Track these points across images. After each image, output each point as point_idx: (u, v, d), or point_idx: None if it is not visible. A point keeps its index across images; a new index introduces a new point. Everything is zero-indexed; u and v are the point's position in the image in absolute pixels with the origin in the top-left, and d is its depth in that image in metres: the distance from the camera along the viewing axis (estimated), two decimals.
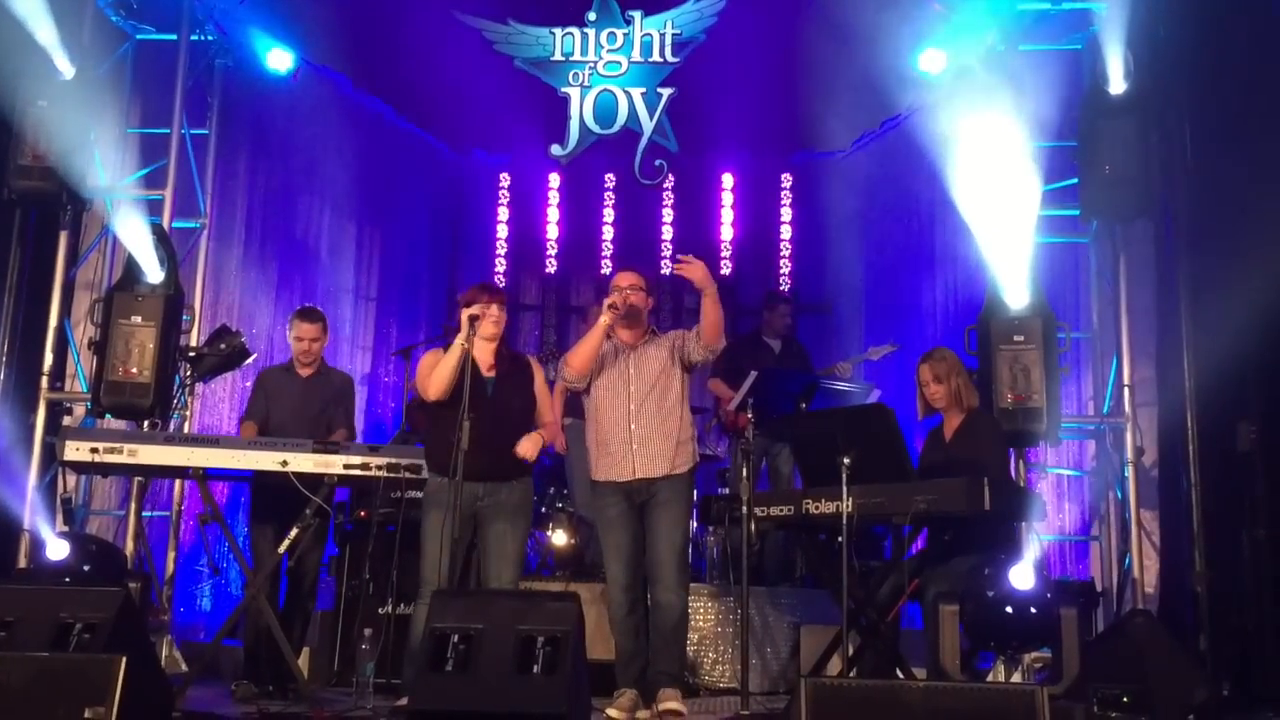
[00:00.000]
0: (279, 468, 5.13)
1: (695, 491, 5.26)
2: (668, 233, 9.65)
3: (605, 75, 8.90)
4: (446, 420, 4.79)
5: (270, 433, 5.70)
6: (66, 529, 6.37)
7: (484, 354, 5.04)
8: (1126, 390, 6.71)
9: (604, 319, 5.00)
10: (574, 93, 8.90)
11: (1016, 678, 4.70)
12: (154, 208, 7.03)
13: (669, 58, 8.85)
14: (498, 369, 5.05)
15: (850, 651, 4.90)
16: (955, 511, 4.59)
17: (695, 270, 4.88)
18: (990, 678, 4.78)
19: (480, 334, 4.97)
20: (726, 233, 9.58)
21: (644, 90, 8.89)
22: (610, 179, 9.57)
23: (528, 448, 4.95)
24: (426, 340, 8.46)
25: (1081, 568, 7.02)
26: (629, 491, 5.00)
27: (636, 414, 5.03)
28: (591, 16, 8.87)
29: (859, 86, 7.87)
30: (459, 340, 4.85)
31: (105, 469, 5.38)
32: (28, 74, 6.55)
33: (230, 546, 5.83)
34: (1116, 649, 5.02)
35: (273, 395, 5.90)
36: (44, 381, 6.85)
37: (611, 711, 4.75)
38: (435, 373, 4.92)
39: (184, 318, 6.82)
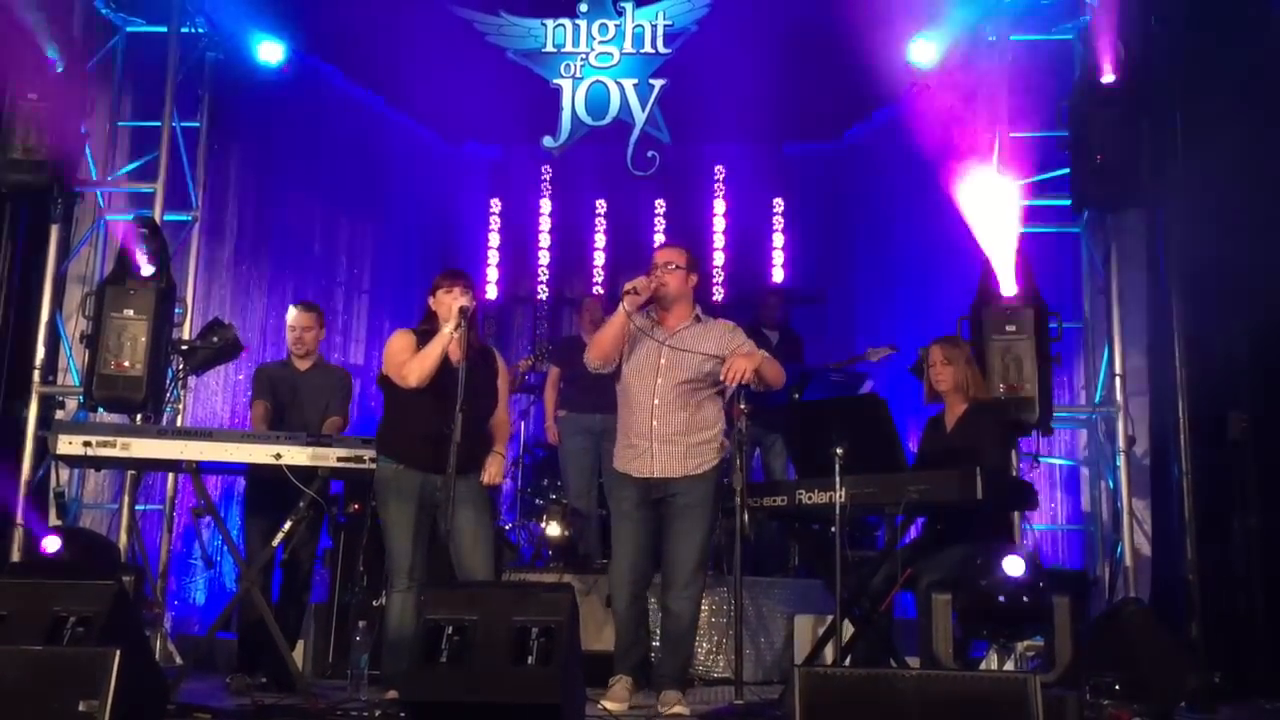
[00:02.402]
0: (272, 460, 5.08)
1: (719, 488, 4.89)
2: (660, 224, 9.66)
3: (597, 67, 8.87)
4: (409, 406, 4.75)
5: (272, 426, 5.68)
6: (59, 523, 6.37)
7: (453, 343, 4.80)
8: (1118, 379, 6.72)
9: (622, 305, 4.78)
10: (566, 84, 8.87)
11: (1009, 666, 4.71)
12: (145, 201, 7.02)
13: (661, 49, 8.82)
14: (466, 359, 4.72)
15: (844, 641, 4.91)
16: (948, 501, 4.61)
17: (744, 371, 4.62)
18: (983, 666, 4.79)
19: (448, 323, 4.78)
20: (719, 223, 9.59)
21: (636, 82, 8.86)
22: (602, 171, 9.56)
23: (495, 474, 4.91)
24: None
25: (1074, 557, 7.04)
26: (646, 487, 4.83)
27: (659, 410, 4.79)
28: (583, 8, 8.84)
29: (850, 77, 7.87)
30: (448, 330, 4.72)
31: (98, 462, 5.37)
32: (18, 67, 6.53)
33: (224, 539, 5.82)
34: (1109, 637, 5.03)
35: (273, 390, 5.89)
36: (36, 375, 6.84)
37: (607, 703, 4.70)
38: (420, 361, 4.74)
39: (176, 311, 6.80)
